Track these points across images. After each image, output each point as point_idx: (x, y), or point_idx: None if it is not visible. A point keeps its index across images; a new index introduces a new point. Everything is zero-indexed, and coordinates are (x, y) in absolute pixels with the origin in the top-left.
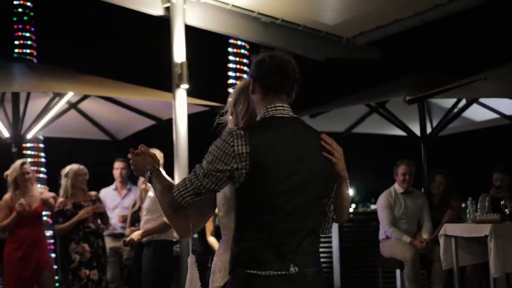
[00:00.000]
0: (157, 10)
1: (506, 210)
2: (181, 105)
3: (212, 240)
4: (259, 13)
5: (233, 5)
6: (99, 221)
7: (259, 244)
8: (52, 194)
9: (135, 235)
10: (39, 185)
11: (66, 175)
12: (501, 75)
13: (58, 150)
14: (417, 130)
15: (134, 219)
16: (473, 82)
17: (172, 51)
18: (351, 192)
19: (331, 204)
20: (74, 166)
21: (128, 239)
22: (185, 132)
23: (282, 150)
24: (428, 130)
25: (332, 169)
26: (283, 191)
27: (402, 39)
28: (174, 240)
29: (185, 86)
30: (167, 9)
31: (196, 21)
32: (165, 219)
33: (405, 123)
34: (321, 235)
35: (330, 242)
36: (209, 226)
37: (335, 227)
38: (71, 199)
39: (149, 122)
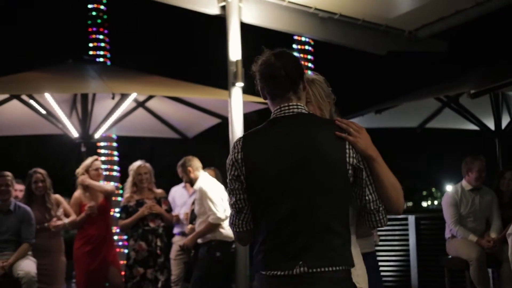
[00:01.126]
0: (212, 9)
1: None
2: (236, 103)
3: None
4: (316, 9)
5: (289, 2)
6: (160, 221)
7: (267, 246)
8: (111, 187)
9: (187, 240)
10: (112, 183)
11: (130, 171)
12: None
13: (137, 148)
14: (491, 125)
15: (194, 216)
16: None
17: (227, 50)
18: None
19: (370, 194)
20: (136, 163)
21: (182, 244)
22: (241, 131)
23: (274, 151)
24: (504, 124)
25: (355, 153)
26: (278, 192)
27: (469, 30)
28: (230, 240)
29: (240, 84)
30: (223, 8)
31: (252, 19)
32: (210, 219)
33: (478, 117)
34: (376, 228)
35: (407, 240)
36: None
37: (411, 224)
38: (137, 195)
39: (215, 120)
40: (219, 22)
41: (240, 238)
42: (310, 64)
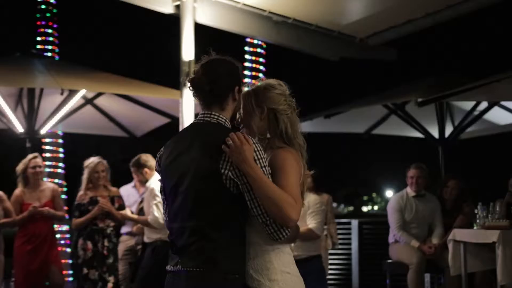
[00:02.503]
0: (167, 8)
1: None
2: (188, 103)
3: None
4: (270, 12)
5: (244, 4)
6: (111, 221)
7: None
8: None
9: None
10: (56, 180)
11: (85, 168)
12: None
13: (82, 146)
14: (436, 133)
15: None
16: (490, 84)
17: (180, 49)
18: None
19: (255, 208)
20: (93, 160)
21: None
22: None
23: (169, 156)
24: (448, 132)
25: (232, 166)
26: (167, 193)
27: (419, 40)
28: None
29: None
30: (177, 7)
31: (206, 20)
32: (149, 218)
33: (423, 126)
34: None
35: (350, 243)
36: None
37: (354, 228)
38: (91, 192)
39: (165, 120)
40: (173, 21)
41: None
42: (261, 67)
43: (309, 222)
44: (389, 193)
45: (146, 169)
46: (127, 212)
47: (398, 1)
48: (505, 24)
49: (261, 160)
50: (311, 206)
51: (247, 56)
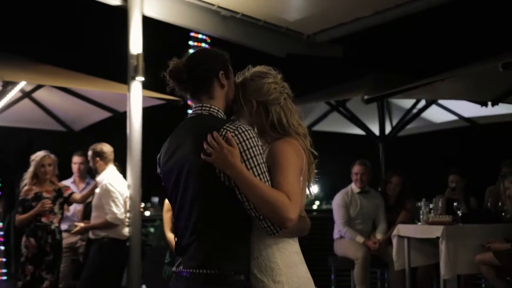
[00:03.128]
0: (114, 0)
1: (459, 212)
2: (136, 97)
3: (171, 236)
4: (219, 7)
5: None
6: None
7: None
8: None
9: (79, 228)
10: None
11: (32, 162)
12: (459, 76)
13: (15, 140)
14: (376, 130)
15: (88, 213)
16: (432, 83)
17: (128, 42)
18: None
19: (246, 201)
20: (39, 154)
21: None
22: (139, 126)
23: (167, 152)
24: (388, 130)
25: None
26: (171, 191)
27: (366, 38)
28: (124, 238)
29: (140, 78)
30: None
31: (154, 13)
32: (108, 217)
33: (364, 123)
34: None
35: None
36: (168, 222)
37: None
38: (36, 187)
39: (106, 114)
40: (119, 13)
41: None
42: None
43: None
44: (331, 189)
45: (98, 159)
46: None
47: None
48: (450, 26)
49: (251, 160)
50: None
51: (191, 51)
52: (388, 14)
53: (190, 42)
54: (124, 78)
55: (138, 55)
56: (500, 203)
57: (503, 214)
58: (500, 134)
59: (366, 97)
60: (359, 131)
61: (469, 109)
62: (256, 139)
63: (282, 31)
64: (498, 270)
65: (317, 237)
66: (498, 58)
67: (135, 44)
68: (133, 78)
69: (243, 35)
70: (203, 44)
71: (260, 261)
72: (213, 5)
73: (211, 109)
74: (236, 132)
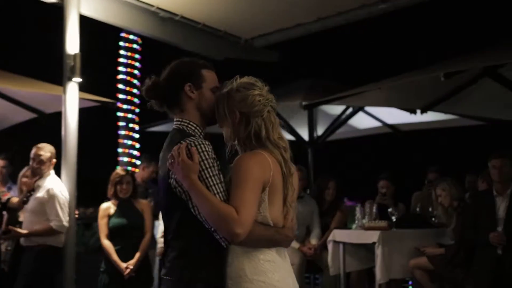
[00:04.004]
0: None
1: (393, 217)
2: (72, 99)
3: (106, 243)
4: (158, 8)
5: None
6: None
7: None
8: None
9: (19, 232)
10: None
11: None
12: (393, 86)
13: None
14: (305, 135)
15: (13, 220)
16: (369, 91)
17: (64, 42)
18: None
19: (199, 214)
20: None
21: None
22: (75, 128)
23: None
24: (317, 135)
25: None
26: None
27: (306, 44)
28: (61, 246)
29: (77, 79)
30: None
31: (91, 12)
32: (53, 224)
33: (294, 128)
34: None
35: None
36: (104, 228)
37: None
38: None
39: (30, 115)
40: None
41: None
42: (137, 64)
43: None
44: None
45: (54, 161)
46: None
47: (289, 4)
48: (388, 34)
49: (203, 173)
50: None
51: (122, 52)
52: (329, 22)
53: (121, 43)
54: (57, 79)
55: (75, 55)
56: (430, 209)
57: (433, 219)
58: (421, 141)
59: (304, 103)
60: (288, 136)
61: (392, 116)
62: (210, 152)
63: (221, 34)
64: (431, 274)
65: None
66: (438, 67)
67: (72, 44)
68: (70, 79)
69: (181, 38)
70: (134, 45)
71: (231, 269)
72: (152, 6)
73: (182, 123)
74: (192, 144)
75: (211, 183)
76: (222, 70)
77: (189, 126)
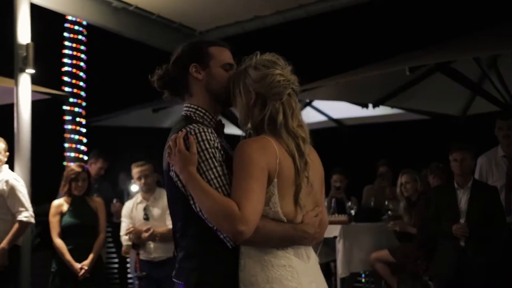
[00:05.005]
0: None
1: (352, 211)
2: (25, 91)
3: (59, 242)
4: None
5: None
6: None
7: None
8: None
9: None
10: None
11: None
12: (348, 79)
13: None
14: None
15: None
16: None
17: (15, 31)
18: None
19: (201, 211)
20: None
21: None
22: (28, 121)
23: None
24: None
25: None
26: None
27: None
28: (20, 244)
29: (30, 70)
30: None
31: (43, 1)
32: (22, 217)
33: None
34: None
35: None
36: (55, 226)
37: None
38: None
39: None
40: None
41: None
42: (83, 55)
43: (169, 223)
44: None
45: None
46: None
47: None
48: (349, 28)
49: (202, 164)
50: None
51: (67, 43)
52: (289, 14)
53: (65, 34)
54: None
55: (27, 45)
56: (386, 202)
57: (389, 212)
58: (366, 135)
59: None
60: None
61: (338, 110)
62: (211, 141)
63: (175, 26)
64: (392, 267)
65: None
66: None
67: (24, 34)
68: (22, 70)
69: (133, 29)
70: (79, 36)
71: (244, 274)
72: None
73: (189, 109)
74: (192, 133)
75: (212, 176)
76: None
77: (197, 112)
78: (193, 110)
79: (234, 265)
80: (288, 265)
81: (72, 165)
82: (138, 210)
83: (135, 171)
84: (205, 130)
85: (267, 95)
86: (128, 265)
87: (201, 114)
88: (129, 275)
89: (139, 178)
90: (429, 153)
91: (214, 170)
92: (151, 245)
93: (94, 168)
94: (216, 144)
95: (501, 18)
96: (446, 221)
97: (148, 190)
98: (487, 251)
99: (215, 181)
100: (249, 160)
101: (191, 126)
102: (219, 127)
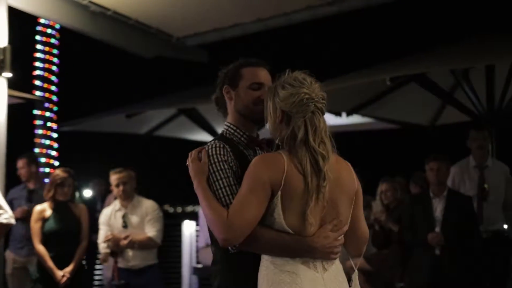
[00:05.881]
0: None
1: None
2: (1, 95)
3: (41, 249)
4: (90, 2)
5: None
6: None
7: None
8: None
9: None
10: None
11: None
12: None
13: None
14: None
15: None
16: None
17: None
18: None
19: None
20: None
21: None
22: (4, 126)
23: None
24: None
25: None
26: None
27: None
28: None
29: (7, 74)
30: None
31: (20, 3)
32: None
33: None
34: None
35: None
36: (37, 233)
37: None
38: None
39: None
40: None
41: None
42: (55, 59)
43: (148, 230)
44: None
45: None
46: None
47: (228, 3)
48: (326, 37)
49: (210, 176)
50: (149, 213)
51: (39, 47)
52: (271, 22)
53: (38, 37)
54: None
55: (5, 48)
56: None
57: None
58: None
59: None
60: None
61: None
62: (219, 155)
63: (152, 31)
64: (368, 276)
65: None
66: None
67: (1, 37)
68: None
69: (110, 34)
70: (52, 40)
71: (258, 277)
72: None
73: (225, 126)
74: (208, 148)
75: (217, 187)
76: (152, 68)
77: (229, 129)
78: (226, 127)
79: (237, 270)
80: (292, 271)
81: (58, 170)
82: (117, 218)
83: (114, 177)
84: (216, 145)
85: (291, 113)
86: (97, 272)
87: (232, 131)
88: (98, 283)
89: (117, 185)
90: (398, 162)
91: (220, 181)
92: (130, 253)
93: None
94: (225, 158)
95: (478, 30)
96: (421, 230)
97: (126, 197)
98: (461, 260)
99: (220, 191)
100: (252, 174)
101: (210, 142)
102: (251, 143)
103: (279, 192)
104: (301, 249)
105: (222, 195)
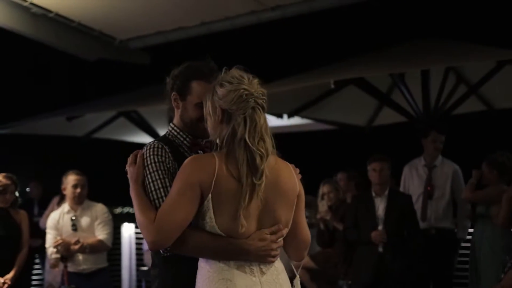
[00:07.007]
0: None
1: None
2: None
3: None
4: (31, 3)
5: None
6: None
7: None
8: None
9: None
10: None
11: None
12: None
13: None
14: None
15: None
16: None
17: None
18: None
19: None
20: None
21: None
22: None
23: None
24: None
25: None
26: None
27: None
28: None
29: None
30: None
31: None
32: None
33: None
34: None
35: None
36: None
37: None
38: None
39: None
40: None
41: None
42: None
43: (98, 233)
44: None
45: None
46: None
47: (171, 6)
48: (273, 40)
49: (146, 178)
50: (99, 216)
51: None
52: (215, 26)
53: None
54: None
55: None
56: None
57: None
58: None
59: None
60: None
61: None
62: (155, 156)
63: (95, 34)
64: (312, 273)
65: None
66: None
67: None
68: None
69: (53, 36)
70: None
71: (197, 284)
72: (25, 0)
73: (169, 126)
74: (145, 149)
75: (153, 188)
76: (95, 70)
77: (173, 131)
78: (171, 128)
79: (191, 274)
80: (227, 278)
81: (0, 176)
82: (65, 220)
83: (72, 178)
84: (156, 146)
85: (231, 111)
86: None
87: (175, 133)
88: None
89: (75, 186)
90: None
91: (156, 182)
92: (80, 256)
93: None
94: (162, 159)
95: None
96: (365, 228)
97: (79, 201)
98: (404, 257)
99: (155, 193)
100: (182, 175)
101: (149, 143)
102: (194, 146)
103: (210, 195)
104: (234, 251)
105: (156, 196)
